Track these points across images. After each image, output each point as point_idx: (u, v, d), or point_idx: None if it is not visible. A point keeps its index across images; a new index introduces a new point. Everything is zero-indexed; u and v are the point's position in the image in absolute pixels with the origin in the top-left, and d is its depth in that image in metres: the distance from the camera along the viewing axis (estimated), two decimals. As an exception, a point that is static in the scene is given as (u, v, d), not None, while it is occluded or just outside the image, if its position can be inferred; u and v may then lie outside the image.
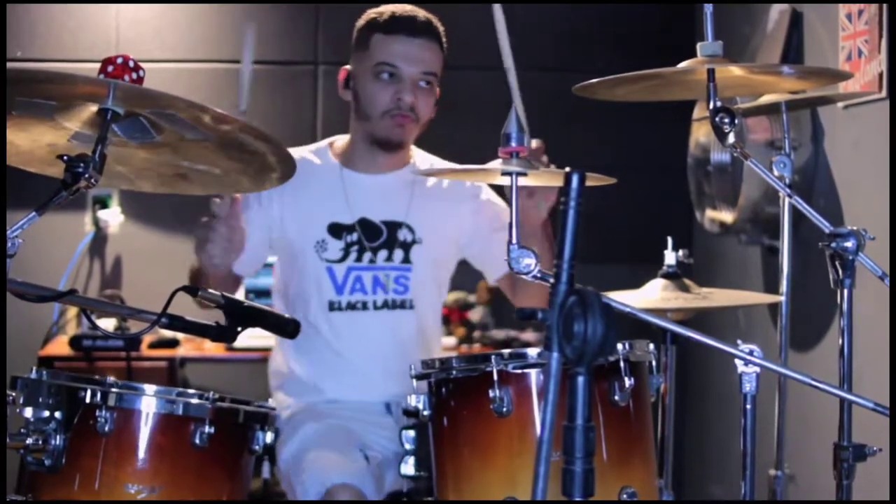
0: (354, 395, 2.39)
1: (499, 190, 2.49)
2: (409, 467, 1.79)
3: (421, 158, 2.50)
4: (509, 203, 1.53)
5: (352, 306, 2.38)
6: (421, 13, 2.34)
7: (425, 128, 2.40)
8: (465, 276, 2.68)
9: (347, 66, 2.40)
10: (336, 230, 2.39)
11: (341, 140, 2.48)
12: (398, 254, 2.40)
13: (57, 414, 1.60)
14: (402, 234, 2.41)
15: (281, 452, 2.27)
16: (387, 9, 2.35)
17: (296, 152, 2.42)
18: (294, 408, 2.40)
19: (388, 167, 2.43)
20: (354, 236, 2.39)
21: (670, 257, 2.14)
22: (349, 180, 2.42)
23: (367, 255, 2.38)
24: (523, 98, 1.48)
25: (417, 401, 1.71)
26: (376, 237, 2.40)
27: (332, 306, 2.38)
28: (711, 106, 1.64)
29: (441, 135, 2.52)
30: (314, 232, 2.39)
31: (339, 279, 2.38)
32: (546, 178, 1.67)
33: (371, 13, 2.36)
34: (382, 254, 2.39)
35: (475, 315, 3.88)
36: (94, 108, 1.49)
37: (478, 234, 2.48)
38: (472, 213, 2.50)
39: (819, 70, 2.14)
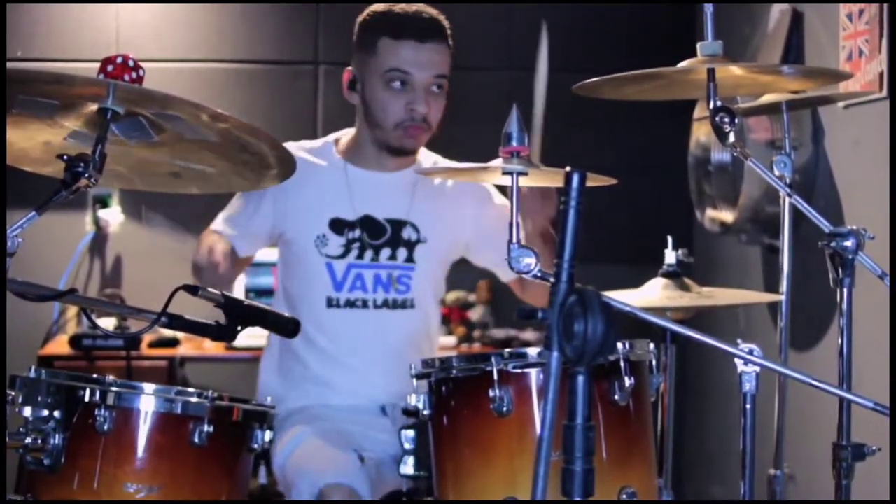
0: (349, 397, 2.36)
1: (501, 190, 2.48)
2: (408, 467, 1.79)
3: (426, 157, 2.47)
4: (511, 202, 1.53)
5: (351, 304, 2.35)
6: (426, 11, 2.28)
7: (438, 129, 2.35)
8: (465, 275, 2.67)
9: (350, 68, 2.35)
10: (338, 226, 2.35)
11: (346, 136, 2.44)
12: (402, 252, 2.38)
13: (56, 413, 1.60)
14: (407, 233, 2.38)
15: (275, 455, 2.26)
16: (392, 8, 2.27)
17: (296, 147, 2.39)
18: (285, 410, 2.35)
19: (395, 167, 2.40)
20: (357, 233, 2.35)
21: (670, 257, 2.13)
22: (353, 176, 2.38)
23: (369, 253, 2.35)
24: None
25: (417, 400, 1.71)
26: (380, 235, 2.37)
27: (331, 303, 2.35)
28: (711, 106, 1.63)
29: (442, 135, 2.51)
30: (315, 227, 2.34)
31: (339, 276, 2.34)
32: (548, 178, 1.67)
33: (375, 10, 2.29)
34: (385, 252, 2.36)
35: (475, 314, 3.88)
36: (93, 107, 1.48)
37: (488, 236, 2.46)
38: (477, 215, 2.48)
39: (819, 70, 2.14)
